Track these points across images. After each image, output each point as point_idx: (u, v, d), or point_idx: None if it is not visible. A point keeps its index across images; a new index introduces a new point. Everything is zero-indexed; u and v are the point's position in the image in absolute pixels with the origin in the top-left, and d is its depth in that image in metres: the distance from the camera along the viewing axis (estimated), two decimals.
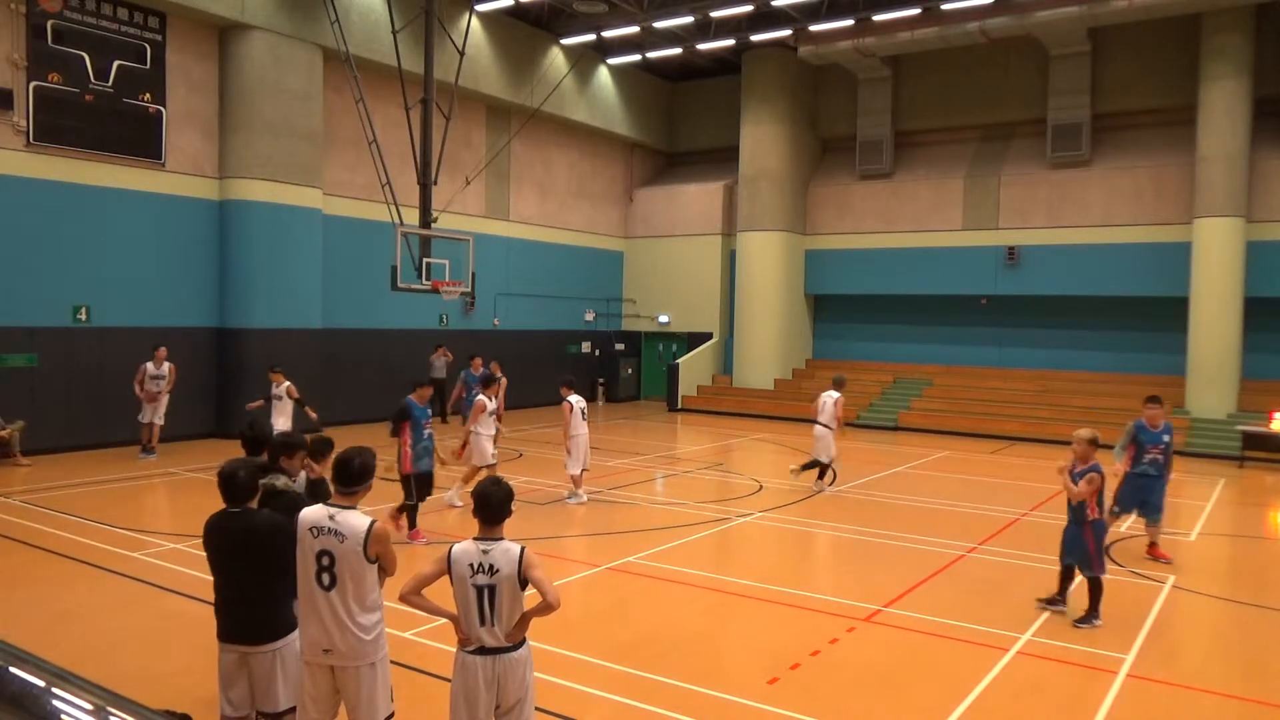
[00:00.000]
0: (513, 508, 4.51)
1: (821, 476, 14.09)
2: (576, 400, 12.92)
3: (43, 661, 1.95)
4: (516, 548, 4.36)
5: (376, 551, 4.44)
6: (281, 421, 13.96)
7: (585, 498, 12.90)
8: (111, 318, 16.68)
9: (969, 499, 13.92)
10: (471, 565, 4.29)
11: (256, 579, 4.70)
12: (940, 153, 25.36)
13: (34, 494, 12.57)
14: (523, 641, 4.45)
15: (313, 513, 4.50)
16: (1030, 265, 23.25)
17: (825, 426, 13.89)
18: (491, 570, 4.28)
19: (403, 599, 4.43)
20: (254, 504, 4.84)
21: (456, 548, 4.36)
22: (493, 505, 4.39)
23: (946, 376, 24.59)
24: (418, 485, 10.35)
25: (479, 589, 4.28)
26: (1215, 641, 8.10)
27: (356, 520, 4.43)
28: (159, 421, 15.82)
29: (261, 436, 6.04)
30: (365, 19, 19.73)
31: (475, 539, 4.38)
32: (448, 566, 4.35)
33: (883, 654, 7.26)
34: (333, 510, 4.48)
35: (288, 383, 14.54)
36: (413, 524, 10.41)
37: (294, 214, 18.62)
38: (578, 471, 12.83)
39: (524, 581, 4.34)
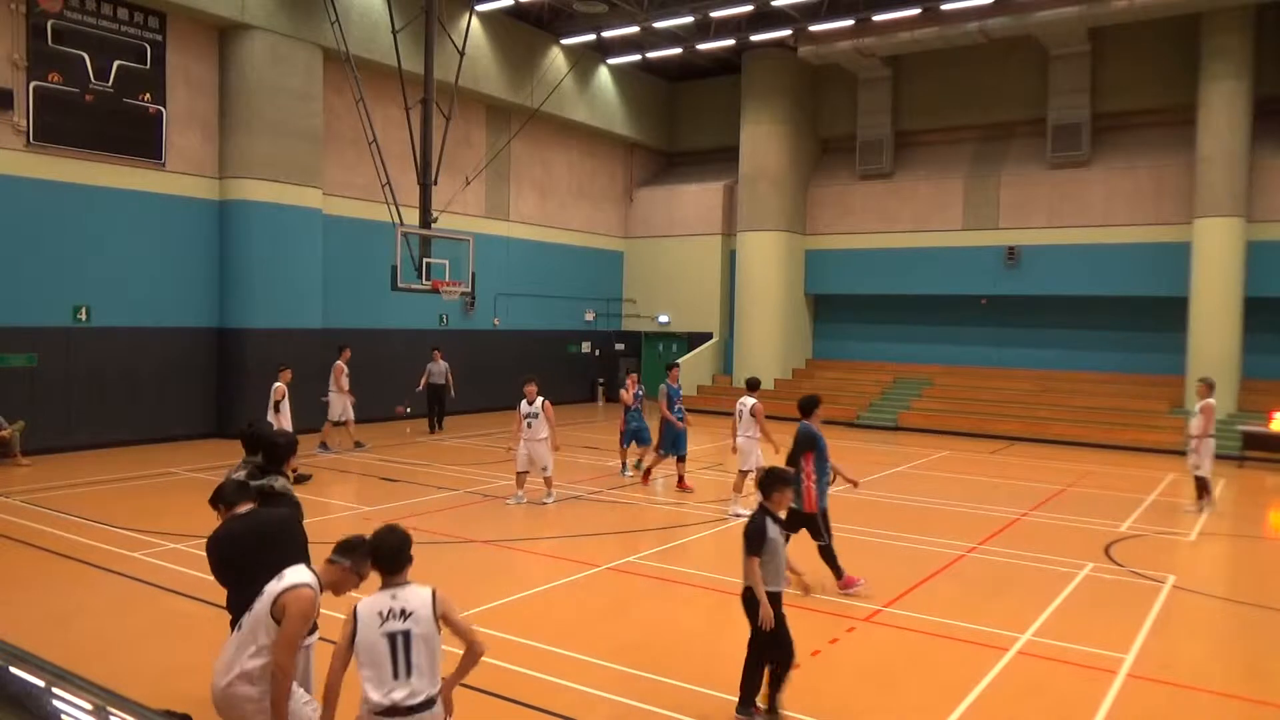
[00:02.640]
0: (412, 554, 4.15)
1: (1202, 496, 13.45)
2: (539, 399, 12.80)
3: (43, 661, 1.94)
4: (428, 589, 4.03)
5: (281, 615, 4.03)
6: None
7: (525, 500, 12.73)
8: (111, 318, 16.68)
9: (969, 499, 13.91)
10: (380, 613, 3.92)
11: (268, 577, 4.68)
12: (940, 153, 25.35)
13: (34, 494, 12.56)
14: (435, 698, 3.99)
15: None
16: (1030, 265, 23.25)
17: (1209, 437, 13.27)
18: (404, 614, 3.91)
19: (328, 689, 3.95)
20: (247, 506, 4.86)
21: (362, 602, 4.00)
22: (387, 553, 4.06)
23: (946, 376, 24.58)
24: (825, 523, 8.92)
25: (391, 636, 3.89)
26: (1215, 641, 8.09)
27: (298, 575, 4.14)
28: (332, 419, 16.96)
29: (261, 435, 6.02)
30: (365, 19, 19.73)
31: (382, 588, 4.04)
32: (354, 622, 3.94)
33: (883, 654, 7.26)
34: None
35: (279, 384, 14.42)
36: (840, 571, 8.80)
37: (294, 214, 18.62)
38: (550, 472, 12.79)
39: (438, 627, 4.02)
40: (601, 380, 28.36)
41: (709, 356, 27.46)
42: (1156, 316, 22.24)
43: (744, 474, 12.38)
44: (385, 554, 4.05)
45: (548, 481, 12.83)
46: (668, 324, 28.70)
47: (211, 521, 5.14)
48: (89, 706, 1.79)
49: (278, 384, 14.29)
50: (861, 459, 17.55)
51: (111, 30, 16.45)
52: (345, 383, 16.85)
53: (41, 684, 1.86)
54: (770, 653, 5.89)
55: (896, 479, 15.74)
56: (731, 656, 7.25)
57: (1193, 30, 20.96)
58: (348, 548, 4.22)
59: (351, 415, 16.90)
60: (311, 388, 19.00)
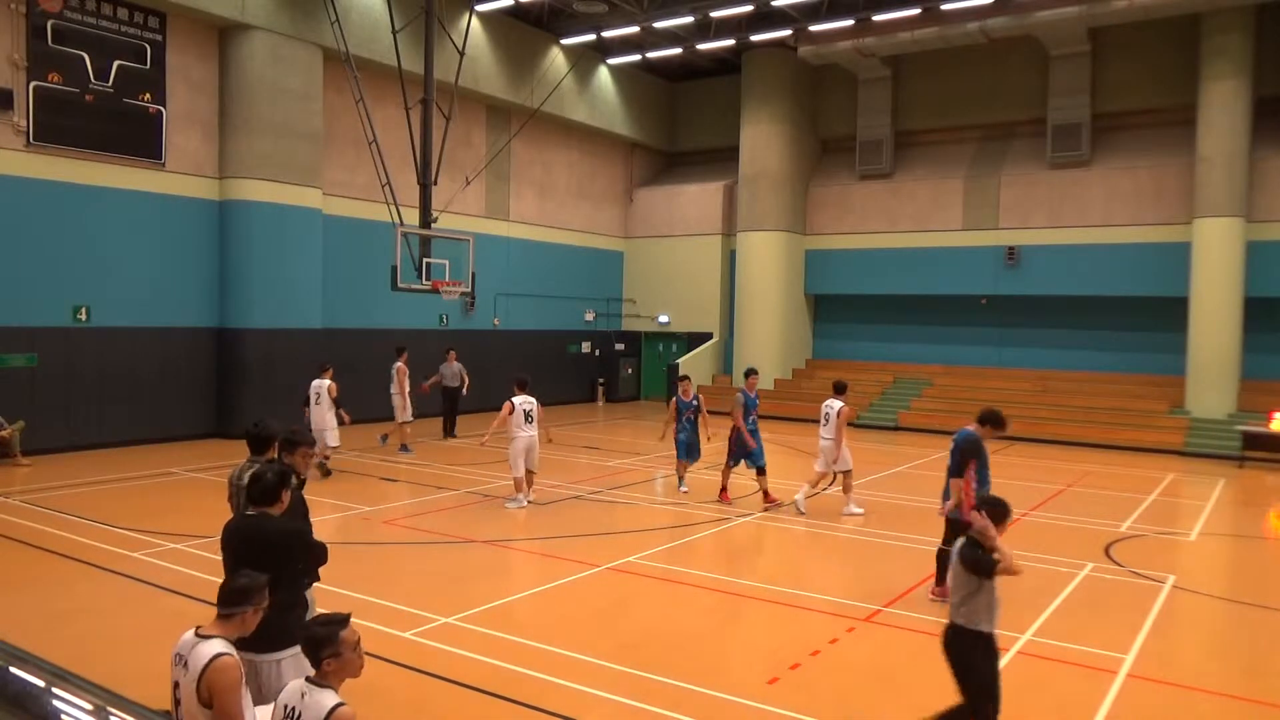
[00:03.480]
0: (335, 653, 3.67)
1: None
2: (520, 401, 12.46)
3: (43, 661, 1.95)
4: (330, 704, 3.54)
5: (210, 697, 3.67)
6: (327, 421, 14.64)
7: (525, 502, 12.54)
8: (111, 318, 16.68)
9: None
10: (285, 707, 3.62)
11: (276, 582, 4.64)
12: (940, 153, 25.35)
13: (34, 494, 12.56)
14: None
15: (185, 635, 3.90)
16: (1030, 265, 23.25)
17: None
18: (295, 717, 3.59)
19: None
20: (279, 508, 4.87)
21: (290, 685, 3.77)
22: (305, 645, 3.73)
23: (946, 376, 24.58)
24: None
25: None
26: (1215, 641, 8.09)
27: (206, 650, 3.76)
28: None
29: (267, 435, 5.99)
30: (365, 19, 19.73)
31: (309, 678, 3.73)
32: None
33: (883, 654, 7.26)
34: (199, 637, 3.80)
35: (329, 382, 14.78)
36: (945, 578, 8.12)
37: (294, 214, 18.62)
38: (520, 474, 12.45)
39: None
40: (602, 380, 28.37)
41: (709, 356, 27.45)
42: (1156, 316, 22.24)
43: (821, 475, 12.66)
44: (304, 646, 3.73)
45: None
46: (668, 324, 28.70)
47: (213, 522, 5.14)
48: (89, 706, 1.80)
49: (330, 383, 14.65)
50: (862, 459, 17.54)
51: (111, 30, 16.44)
52: (407, 384, 17.08)
53: (41, 684, 1.86)
54: (975, 702, 5.21)
55: (897, 479, 15.75)
56: (731, 656, 7.26)
57: (1193, 30, 20.95)
58: (242, 592, 3.94)
59: (410, 417, 17.17)
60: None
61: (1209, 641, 8.09)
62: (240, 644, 4.68)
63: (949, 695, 6.31)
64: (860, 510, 12.54)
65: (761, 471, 12.98)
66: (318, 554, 5.06)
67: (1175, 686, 6.69)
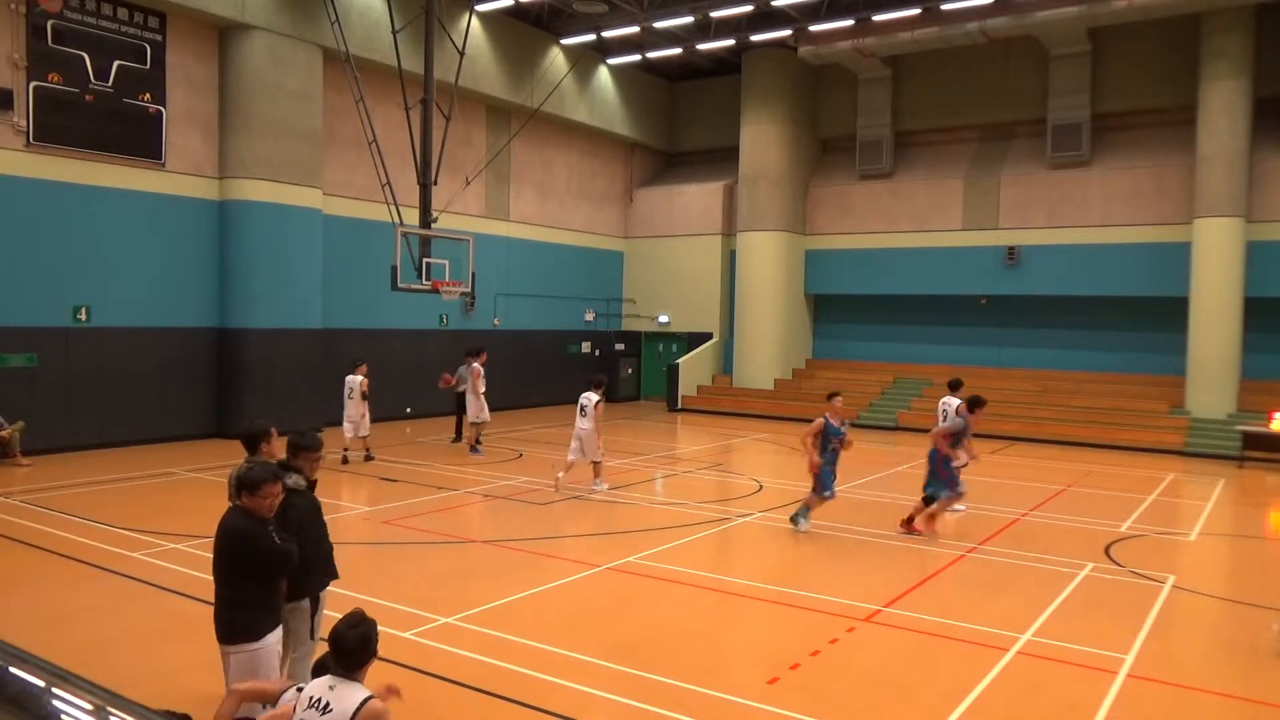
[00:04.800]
0: (376, 649, 3.82)
1: None
2: (582, 396, 13.79)
3: (43, 661, 1.95)
4: (360, 696, 3.63)
5: None
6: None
7: (562, 480, 13.48)
8: (111, 318, 16.67)
9: (969, 499, 13.88)
10: (310, 699, 3.67)
11: (224, 578, 4.93)
12: (940, 153, 25.36)
13: (34, 494, 12.56)
14: None
15: (313, 681, 3.90)
16: (1030, 265, 23.25)
17: None
18: (324, 708, 3.62)
19: (266, 692, 4.00)
20: (253, 504, 4.91)
21: (311, 683, 3.81)
22: (340, 653, 3.74)
23: (946, 376, 24.50)
24: None
25: None
26: (1215, 641, 8.09)
27: (353, 694, 3.75)
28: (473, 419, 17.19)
29: (251, 432, 6.06)
30: (365, 19, 19.73)
31: (331, 673, 3.77)
32: (295, 698, 3.81)
33: (883, 654, 7.26)
34: (334, 682, 3.76)
35: (361, 377, 15.72)
36: None
37: (294, 214, 18.61)
38: (571, 459, 13.60)
39: None
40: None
41: (709, 356, 27.46)
42: (1156, 316, 22.24)
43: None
44: (338, 653, 3.75)
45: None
46: (668, 324, 28.71)
47: (213, 522, 5.16)
48: (89, 706, 1.79)
49: (363, 378, 15.68)
50: (862, 459, 17.56)
51: (111, 30, 16.44)
52: (482, 385, 16.99)
53: (41, 684, 1.86)
54: None
55: (897, 479, 15.74)
56: (731, 656, 7.26)
57: (1193, 30, 20.96)
58: (364, 641, 3.84)
59: (487, 418, 17.18)
60: (312, 388, 19.02)
61: (1209, 641, 8.09)
62: (216, 632, 4.94)
63: (949, 696, 6.33)
64: (963, 507, 12.48)
65: (929, 501, 11.17)
66: (272, 559, 4.90)
67: (1175, 686, 6.69)
